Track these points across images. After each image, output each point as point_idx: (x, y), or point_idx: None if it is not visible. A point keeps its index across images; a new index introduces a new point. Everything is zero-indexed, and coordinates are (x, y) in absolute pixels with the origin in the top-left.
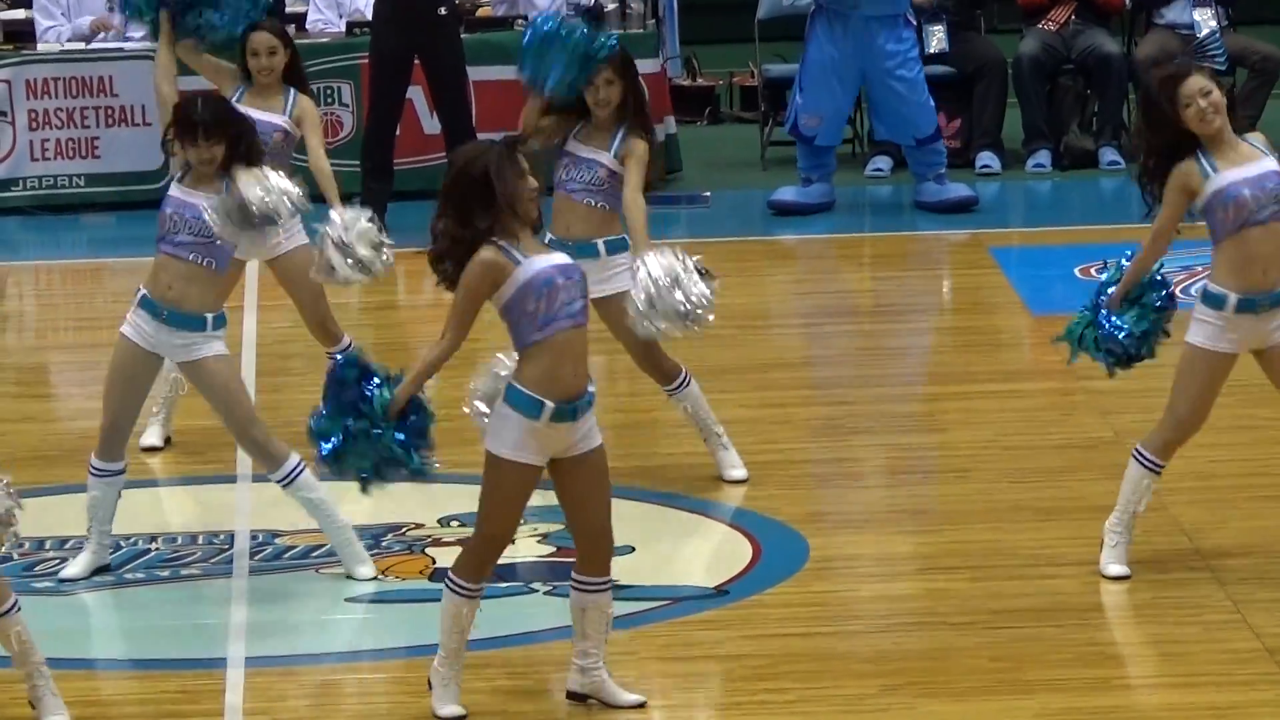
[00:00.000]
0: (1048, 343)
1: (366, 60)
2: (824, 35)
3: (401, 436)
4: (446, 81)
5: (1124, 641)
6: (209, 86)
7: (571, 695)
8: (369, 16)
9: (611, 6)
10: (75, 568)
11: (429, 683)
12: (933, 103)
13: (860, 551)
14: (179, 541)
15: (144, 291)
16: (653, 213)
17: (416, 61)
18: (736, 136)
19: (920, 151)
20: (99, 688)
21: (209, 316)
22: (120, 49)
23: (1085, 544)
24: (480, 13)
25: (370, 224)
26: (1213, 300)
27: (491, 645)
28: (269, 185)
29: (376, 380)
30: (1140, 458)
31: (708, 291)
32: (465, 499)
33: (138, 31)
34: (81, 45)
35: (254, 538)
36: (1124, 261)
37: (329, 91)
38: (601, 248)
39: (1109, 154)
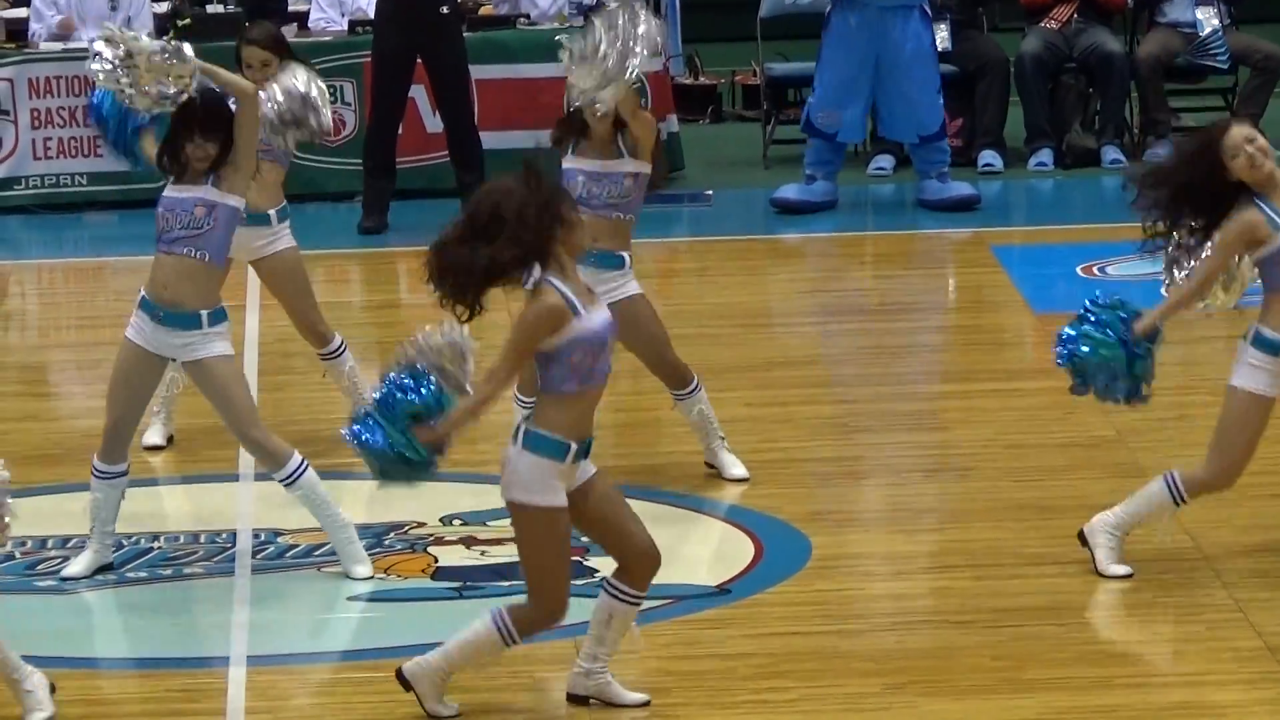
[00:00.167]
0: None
1: (369, 59)
2: (840, 29)
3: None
4: (448, 81)
5: (1126, 640)
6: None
7: (572, 698)
8: (371, 15)
9: (614, 5)
10: (77, 566)
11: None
12: (942, 101)
13: (862, 550)
14: (181, 540)
15: (143, 293)
16: (655, 212)
17: (419, 60)
18: (739, 135)
19: (924, 149)
20: (101, 686)
21: (204, 313)
22: None
23: None
24: (482, 11)
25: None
26: (1269, 346)
27: None
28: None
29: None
30: (1172, 487)
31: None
32: (466, 497)
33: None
34: (83, 44)
35: (256, 536)
36: (1098, 303)
37: (331, 90)
38: (626, 259)
39: (1111, 152)
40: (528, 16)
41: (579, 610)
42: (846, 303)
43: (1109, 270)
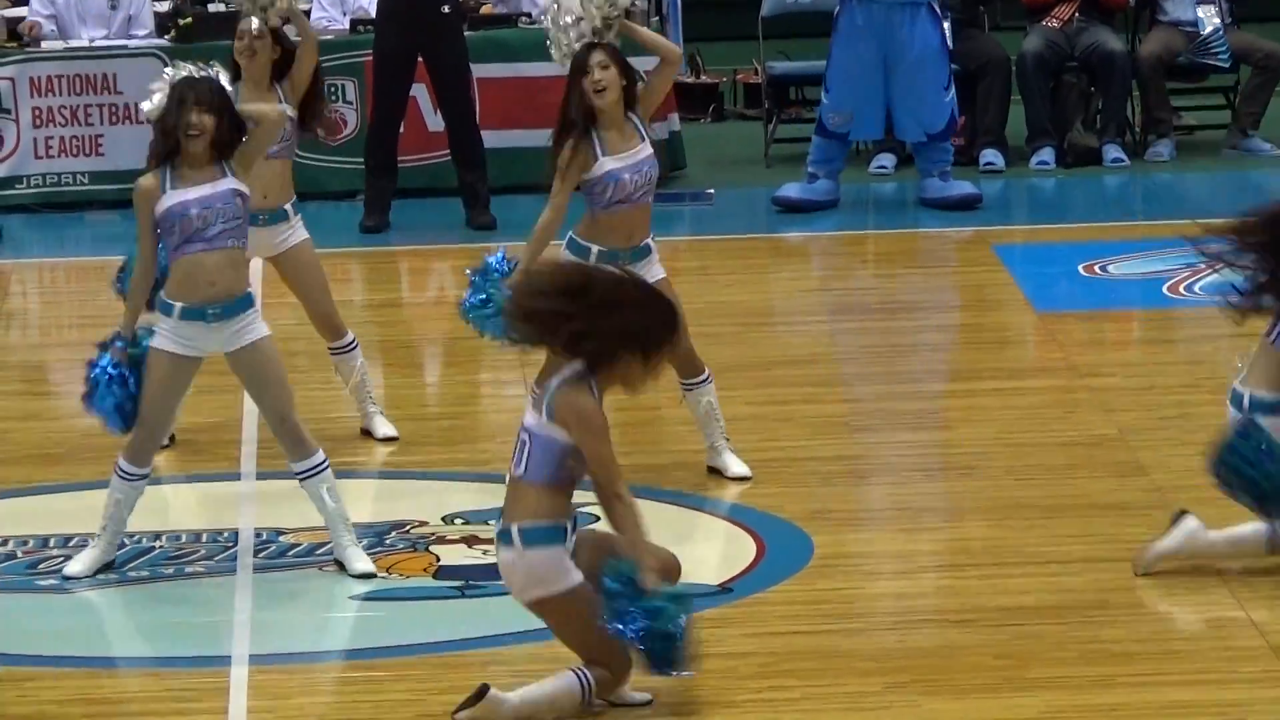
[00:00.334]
0: (1052, 340)
1: (370, 58)
2: (847, 29)
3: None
4: (449, 80)
5: (1128, 639)
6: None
7: None
8: (373, 14)
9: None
10: (80, 565)
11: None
12: (952, 99)
13: (864, 549)
14: (183, 539)
15: (177, 305)
16: (656, 211)
17: (420, 59)
18: (740, 134)
19: (928, 148)
20: (103, 685)
21: (250, 292)
22: (124, 46)
23: (1089, 541)
24: (483, 10)
25: None
26: None
27: (493, 644)
28: None
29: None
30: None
31: None
32: (468, 496)
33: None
34: (87, 42)
35: (258, 535)
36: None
37: (333, 89)
38: (651, 243)
39: (1112, 151)
40: (529, 15)
41: None
42: (848, 302)
43: (1110, 269)
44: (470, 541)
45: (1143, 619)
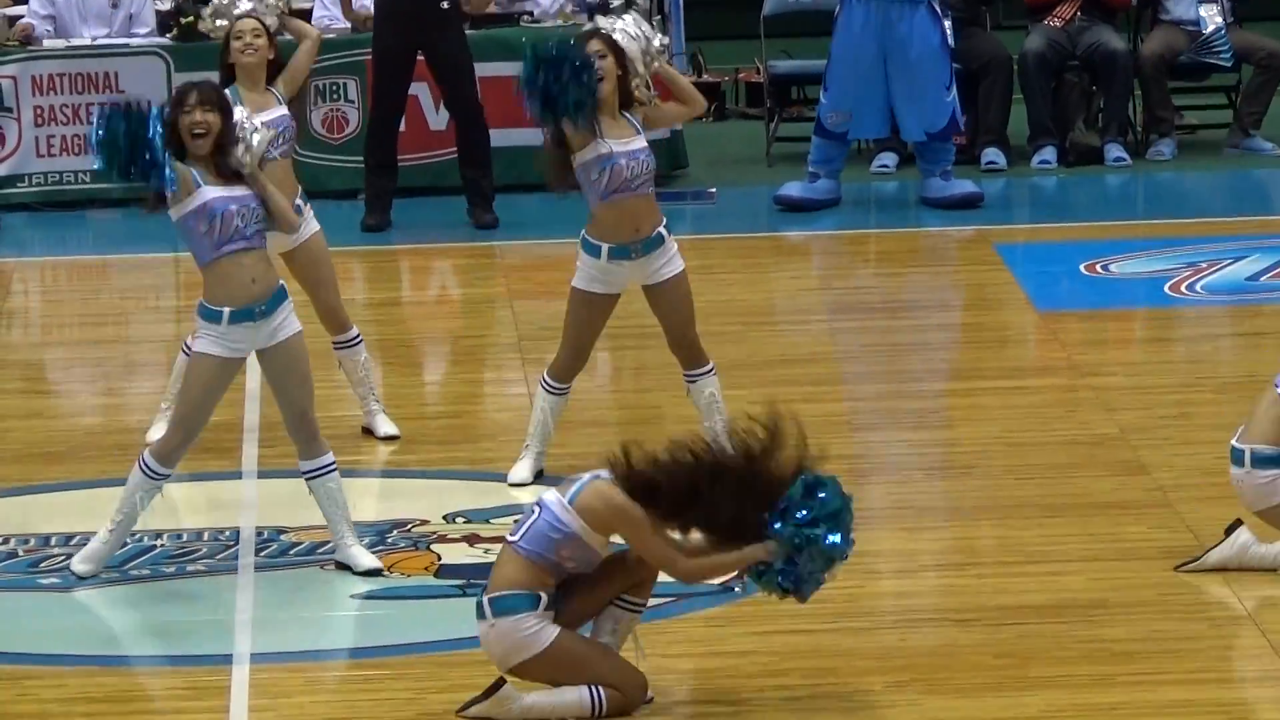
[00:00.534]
0: (1053, 339)
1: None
2: (847, 27)
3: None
4: (451, 76)
5: (1128, 638)
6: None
7: None
8: (374, 13)
9: (617, 3)
10: (90, 564)
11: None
12: (953, 99)
13: (866, 548)
14: (184, 538)
15: (223, 309)
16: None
17: (420, 57)
18: (742, 133)
19: (929, 147)
20: (104, 684)
21: (283, 283)
22: (126, 45)
23: (1090, 540)
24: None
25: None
26: None
27: None
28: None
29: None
30: None
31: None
32: (469, 495)
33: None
34: (89, 41)
35: (259, 534)
36: None
37: (334, 87)
38: (664, 232)
39: (1114, 150)
40: (530, 14)
41: None
42: (849, 301)
43: (1112, 268)
44: (471, 540)
45: (1143, 618)
